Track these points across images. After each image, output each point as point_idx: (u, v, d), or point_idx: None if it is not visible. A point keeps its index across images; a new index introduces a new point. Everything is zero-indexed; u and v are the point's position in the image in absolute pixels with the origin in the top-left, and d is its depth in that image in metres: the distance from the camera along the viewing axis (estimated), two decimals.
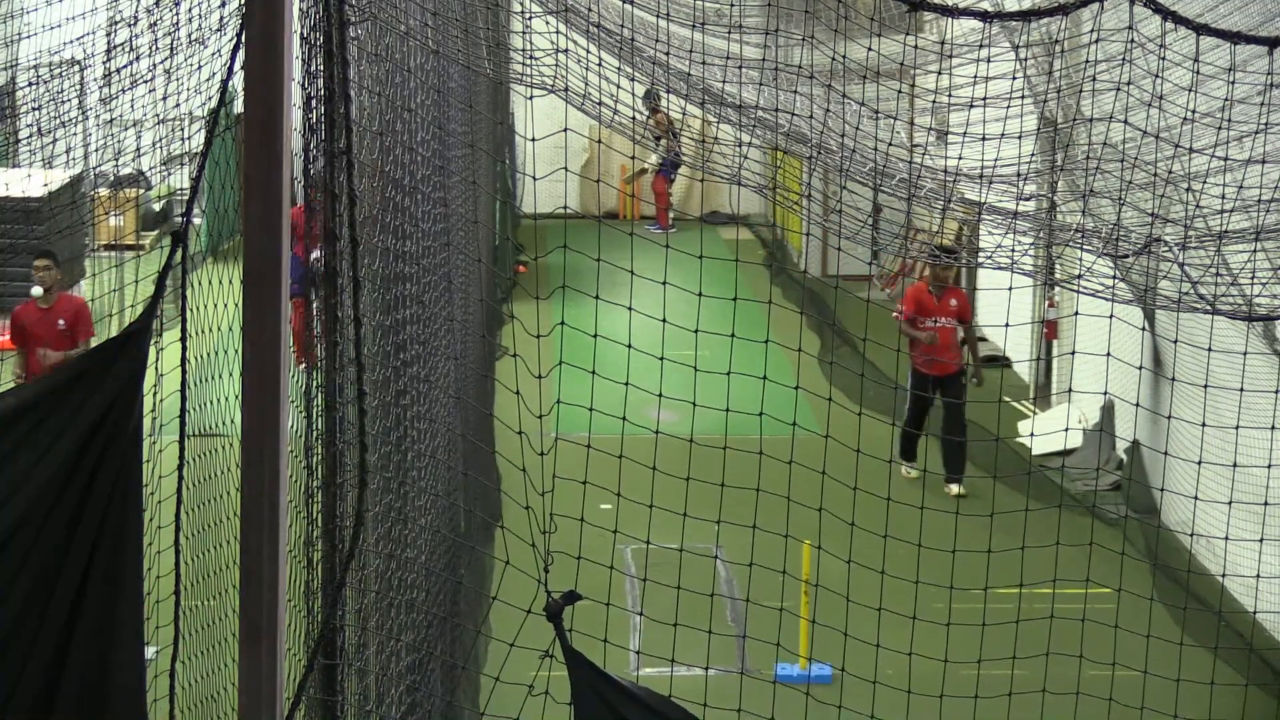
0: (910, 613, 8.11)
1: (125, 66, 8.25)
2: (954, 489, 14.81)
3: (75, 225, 18.16)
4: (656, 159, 27.10)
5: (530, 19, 6.95)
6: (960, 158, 7.18)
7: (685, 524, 7.33)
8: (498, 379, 9.73)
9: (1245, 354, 9.06)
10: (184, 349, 5.33)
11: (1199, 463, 8.35)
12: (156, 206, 23.22)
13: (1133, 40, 6.38)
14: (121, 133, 8.98)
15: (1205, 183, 6.96)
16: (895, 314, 15.69)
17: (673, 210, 27.30)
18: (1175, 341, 10.15)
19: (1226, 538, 9.00)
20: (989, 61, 7.36)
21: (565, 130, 6.79)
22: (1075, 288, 7.24)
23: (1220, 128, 6.80)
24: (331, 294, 5.76)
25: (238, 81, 5.08)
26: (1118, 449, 15.64)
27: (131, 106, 8.50)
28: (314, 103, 5.75)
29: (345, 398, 5.89)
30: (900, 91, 7.86)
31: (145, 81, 8.24)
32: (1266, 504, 8.54)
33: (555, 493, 6.50)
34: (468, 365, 10.14)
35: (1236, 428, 8.27)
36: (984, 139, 7.23)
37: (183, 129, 8.52)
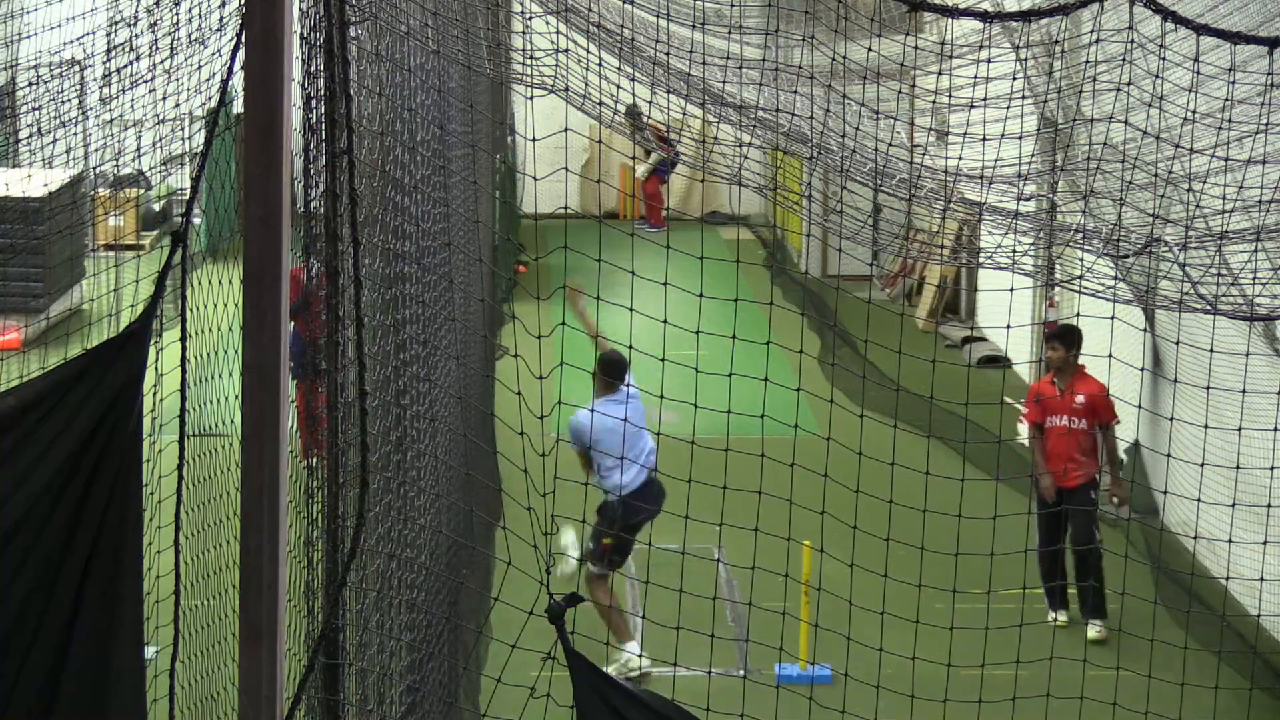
0: (912, 615, 8.10)
1: (125, 66, 8.25)
2: (1093, 630, 12.07)
3: (75, 225, 18.16)
4: (655, 158, 27.00)
5: (530, 19, 6.94)
6: (960, 158, 7.17)
7: (686, 525, 7.33)
8: (498, 379, 9.72)
9: (1247, 355, 9.05)
10: (184, 349, 5.32)
11: (1201, 465, 8.34)
12: (156, 206, 23.22)
13: (1133, 41, 6.37)
14: (121, 133, 8.97)
15: (1205, 183, 6.95)
16: (1020, 417, 13.34)
17: (668, 210, 27.24)
18: (1177, 342, 10.14)
19: (1230, 540, 8.99)
20: (989, 62, 7.35)
21: (565, 130, 6.78)
22: (1076, 288, 7.23)
23: (1220, 128, 6.79)
24: (333, 294, 5.76)
25: (238, 81, 5.08)
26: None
27: (131, 106, 8.49)
28: (314, 103, 5.75)
29: (346, 397, 5.89)
30: (900, 92, 7.85)
31: (145, 81, 8.24)
32: (1270, 506, 8.52)
33: (556, 493, 6.49)
34: (468, 365, 10.14)
35: (1239, 429, 8.26)
36: (984, 139, 7.22)
37: (183, 129, 8.52)
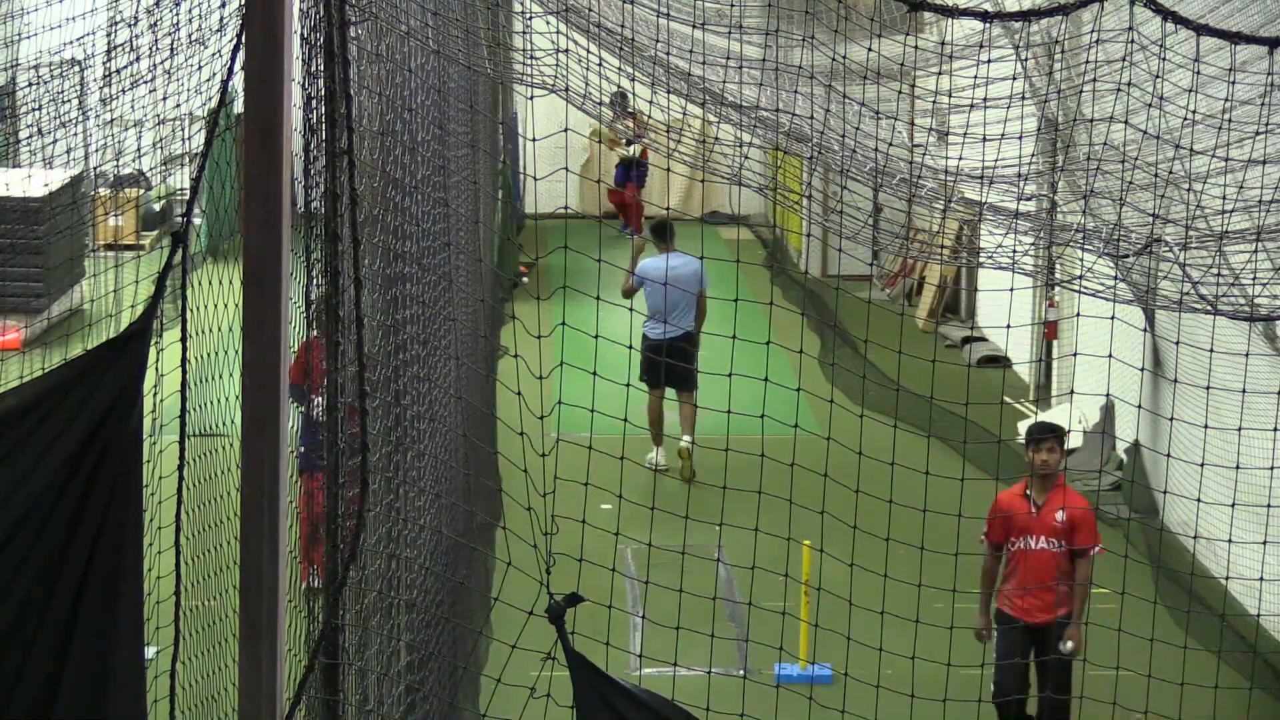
0: (912, 615, 8.10)
1: (125, 67, 8.25)
2: None
3: (75, 225, 18.16)
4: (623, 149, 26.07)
5: (530, 19, 6.94)
6: (961, 158, 7.17)
7: (686, 525, 7.33)
8: (499, 379, 9.72)
9: (1247, 355, 9.05)
10: (184, 349, 5.33)
11: (1201, 465, 8.34)
12: (156, 206, 23.21)
13: (1133, 41, 6.37)
14: (121, 133, 8.97)
15: (1206, 183, 6.95)
16: (981, 537, 10.37)
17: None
18: (1176, 342, 10.13)
19: (1230, 540, 8.99)
20: (989, 62, 7.36)
21: (565, 130, 6.79)
22: (1076, 288, 7.23)
23: (1221, 128, 6.79)
24: (333, 294, 5.75)
25: (238, 81, 5.08)
26: (1117, 449, 15.64)
27: (132, 107, 8.49)
28: (314, 103, 5.74)
29: (347, 398, 5.89)
30: (901, 92, 7.85)
31: (145, 82, 8.24)
32: (1269, 506, 8.53)
33: (556, 493, 6.49)
34: (468, 365, 10.14)
35: (1239, 429, 8.26)
36: (984, 139, 7.22)
37: (183, 129, 8.52)
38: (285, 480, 5.02)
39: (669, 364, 14.36)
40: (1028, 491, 10.29)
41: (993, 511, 10.27)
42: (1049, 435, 10.30)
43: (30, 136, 9.02)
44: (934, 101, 8.44)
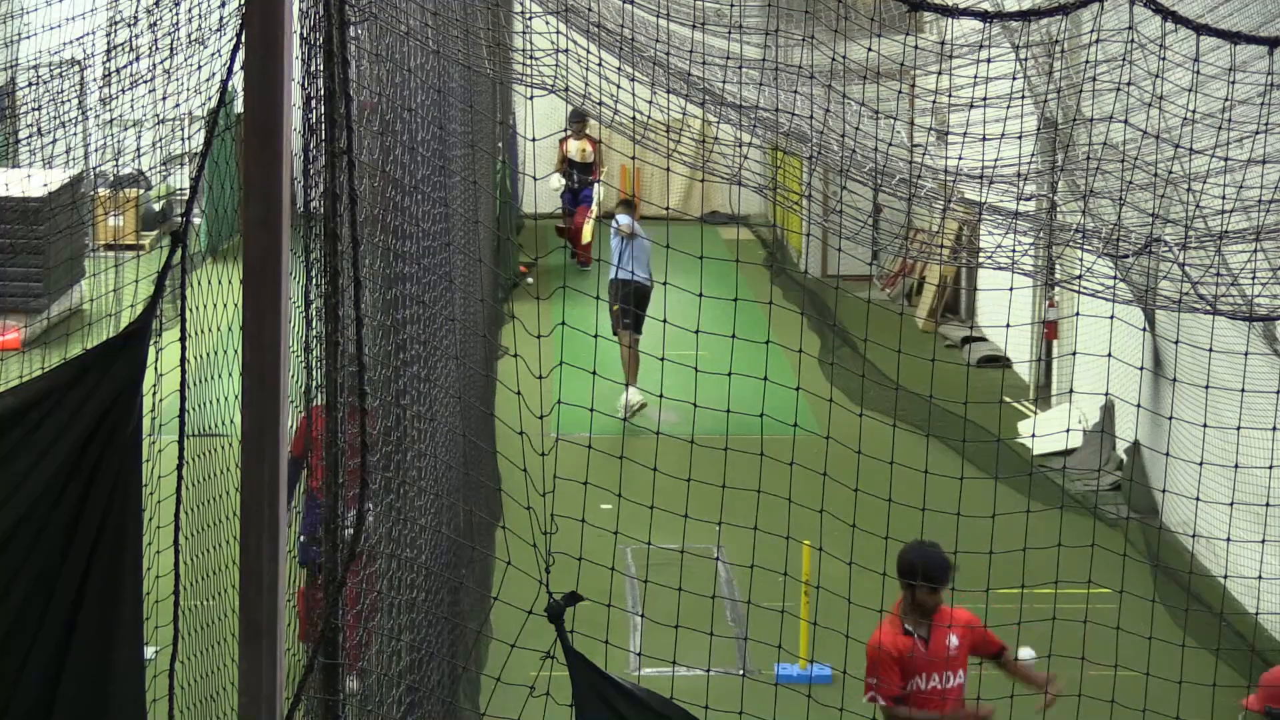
0: None
1: (125, 66, 8.25)
2: None
3: (75, 225, 18.17)
4: (558, 181, 24.44)
5: (530, 19, 6.95)
6: (960, 158, 7.17)
7: (686, 525, 7.33)
8: (498, 379, 9.72)
9: (1246, 354, 9.06)
10: (184, 349, 5.33)
11: (1200, 464, 8.35)
12: (156, 206, 23.22)
13: (1133, 41, 6.37)
14: (121, 133, 8.98)
15: (1205, 183, 6.95)
16: (868, 696, 8.64)
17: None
18: (1176, 342, 10.14)
19: (1229, 539, 8.99)
20: (989, 62, 7.35)
21: (565, 130, 6.78)
22: (1075, 288, 7.23)
23: (1220, 128, 6.79)
24: (333, 294, 5.76)
25: (238, 81, 5.08)
26: (1117, 449, 15.64)
27: (131, 106, 8.50)
28: (314, 103, 5.75)
29: (346, 397, 5.89)
30: (900, 92, 7.85)
31: (145, 81, 8.25)
32: (1268, 505, 8.53)
33: (555, 493, 6.50)
34: (468, 365, 10.14)
35: (1238, 428, 8.27)
36: (984, 139, 7.23)
37: (183, 129, 8.53)
38: (285, 480, 5.02)
39: (633, 307, 16.48)
40: (906, 627, 8.64)
41: (880, 662, 8.53)
42: (942, 570, 8.62)
43: (30, 136, 9.03)
44: (933, 101, 8.45)
